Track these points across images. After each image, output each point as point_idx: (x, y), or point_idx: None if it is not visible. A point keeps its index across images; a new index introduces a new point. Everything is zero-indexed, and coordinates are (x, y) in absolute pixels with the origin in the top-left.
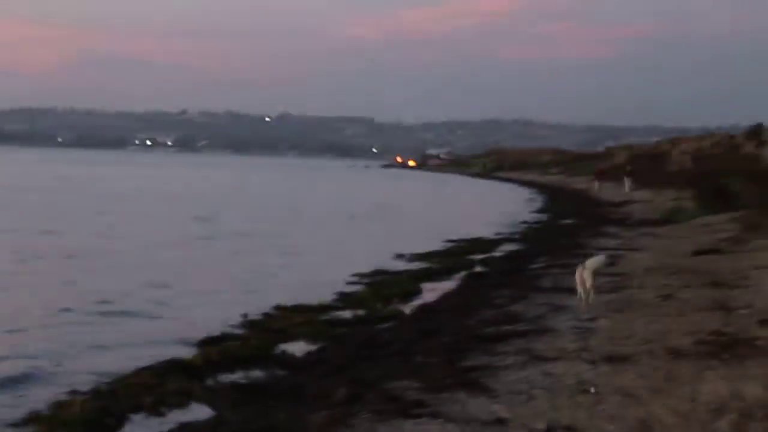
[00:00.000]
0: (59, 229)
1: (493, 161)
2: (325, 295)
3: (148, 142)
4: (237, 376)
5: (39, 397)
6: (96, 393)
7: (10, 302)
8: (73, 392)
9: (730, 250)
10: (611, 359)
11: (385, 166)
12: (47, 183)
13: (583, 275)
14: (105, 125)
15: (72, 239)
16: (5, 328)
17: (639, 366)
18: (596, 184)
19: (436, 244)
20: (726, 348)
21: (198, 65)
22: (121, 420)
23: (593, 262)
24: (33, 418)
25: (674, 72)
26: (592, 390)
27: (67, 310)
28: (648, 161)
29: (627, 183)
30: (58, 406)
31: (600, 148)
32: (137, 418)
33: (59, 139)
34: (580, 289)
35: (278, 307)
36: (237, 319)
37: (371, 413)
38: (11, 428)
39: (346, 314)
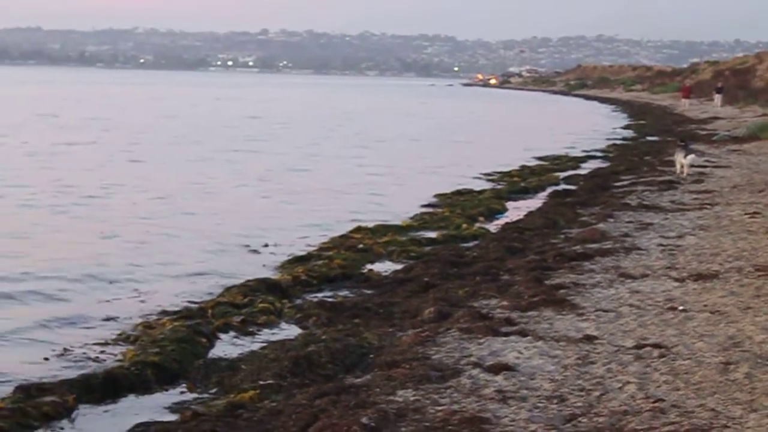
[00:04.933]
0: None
1: (576, 78)
2: (409, 215)
3: (229, 63)
4: (325, 295)
5: (128, 319)
6: (186, 313)
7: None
8: (163, 313)
9: None
10: (699, 277)
11: (467, 85)
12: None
13: (683, 161)
14: (186, 46)
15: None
16: (94, 249)
17: (727, 283)
18: (683, 101)
19: (521, 162)
20: None
21: None
22: (212, 338)
23: (691, 158)
24: (124, 338)
25: None
26: (681, 308)
27: (164, 234)
28: (733, 77)
29: (717, 99)
30: (148, 326)
31: (684, 64)
32: (227, 336)
33: (141, 61)
34: (678, 166)
35: (360, 228)
36: (321, 239)
37: (460, 331)
38: (107, 346)
39: (431, 233)
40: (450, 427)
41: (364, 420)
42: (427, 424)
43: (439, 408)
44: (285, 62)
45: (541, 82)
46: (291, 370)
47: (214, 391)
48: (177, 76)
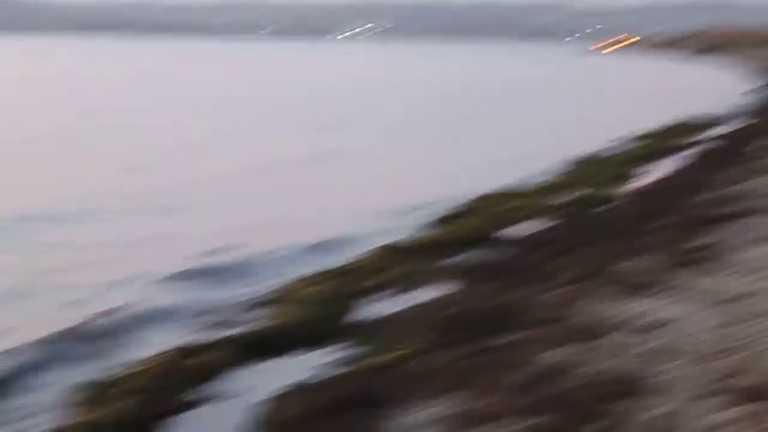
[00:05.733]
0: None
1: (700, 43)
2: (547, 177)
3: (357, 29)
4: (463, 258)
5: (276, 280)
6: (332, 274)
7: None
8: (312, 275)
9: None
10: None
11: (587, 53)
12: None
13: None
14: (308, 15)
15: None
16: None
17: None
18: None
19: (657, 124)
20: None
21: None
22: (357, 300)
23: None
24: (269, 300)
25: None
26: None
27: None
28: None
29: None
30: (291, 289)
31: None
32: (372, 298)
33: (261, 32)
34: None
35: (496, 192)
36: (455, 201)
37: (605, 291)
38: (257, 307)
39: (566, 197)
40: (599, 387)
41: (512, 380)
42: (576, 383)
43: (588, 368)
44: (413, 30)
45: (667, 46)
46: (438, 330)
47: (361, 351)
48: (312, 45)
